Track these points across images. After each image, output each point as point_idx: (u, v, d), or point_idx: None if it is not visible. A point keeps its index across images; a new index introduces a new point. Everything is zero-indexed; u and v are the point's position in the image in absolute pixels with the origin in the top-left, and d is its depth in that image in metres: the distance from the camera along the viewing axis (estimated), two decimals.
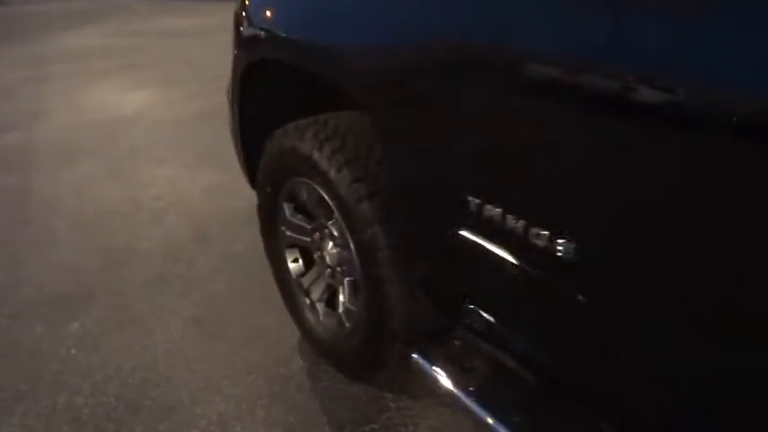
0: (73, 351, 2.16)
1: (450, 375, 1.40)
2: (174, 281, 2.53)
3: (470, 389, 1.35)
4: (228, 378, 1.98)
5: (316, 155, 1.57)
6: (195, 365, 2.05)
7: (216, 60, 4.21)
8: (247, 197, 2.33)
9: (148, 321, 2.29)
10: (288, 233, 1.98)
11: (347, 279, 1.74)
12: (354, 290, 1.71)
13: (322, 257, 1.87)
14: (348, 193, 1.49)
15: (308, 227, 1.89)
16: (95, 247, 2.83)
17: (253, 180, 2.16)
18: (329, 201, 1.62)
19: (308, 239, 1.91)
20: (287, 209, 1.94)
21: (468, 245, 1.19)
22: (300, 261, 2.04)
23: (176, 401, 1.90)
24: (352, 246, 1.60)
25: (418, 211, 1.36)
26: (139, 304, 2.39)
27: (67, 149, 4.20)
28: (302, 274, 2.03)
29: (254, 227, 2.12)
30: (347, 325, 1.80)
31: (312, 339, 1.98)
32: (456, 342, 1.47)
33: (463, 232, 1.20)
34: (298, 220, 1.93)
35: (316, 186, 1.65)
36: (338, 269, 1.80)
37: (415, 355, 1.49)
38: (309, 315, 1.98)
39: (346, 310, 1.77)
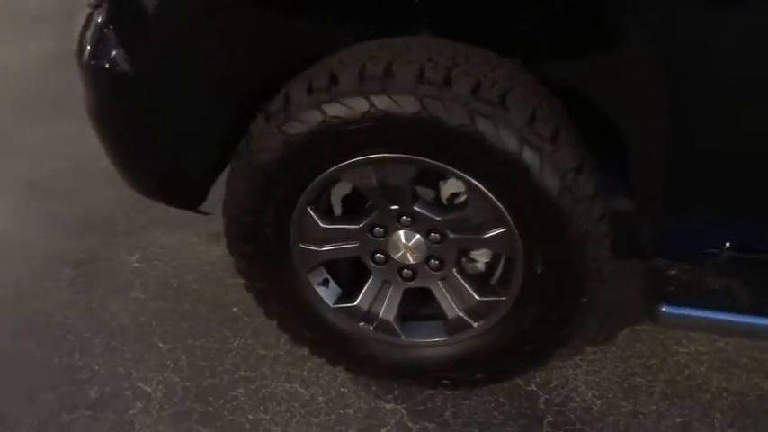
0: None
1: (715, 304, 1.11)
2: None
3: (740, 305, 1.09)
4: None
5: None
6: None
7: None
8: None
9: None
10: (314, 249, 1.29)
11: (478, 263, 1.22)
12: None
13: (387, 258, 1.27)
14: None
15: (357, 226, 1.24)
16: None
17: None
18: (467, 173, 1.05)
19: (354, 244, 1.27)
20: (314, 213, 1.24)
21: None
22: (331, 281, 1.38)
23: None
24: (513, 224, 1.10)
25: None
26: None
27: None
28: (346, 296, 1.37)
29: None
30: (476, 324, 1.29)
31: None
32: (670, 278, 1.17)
33: None
34: (338, 223, 1.25)
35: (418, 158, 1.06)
36: (432, 261, 1.25)
37: (663, 308, 1.13)
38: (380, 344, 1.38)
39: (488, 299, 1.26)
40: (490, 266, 1.33)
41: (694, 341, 1.50)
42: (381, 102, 1.04)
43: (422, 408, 1.41)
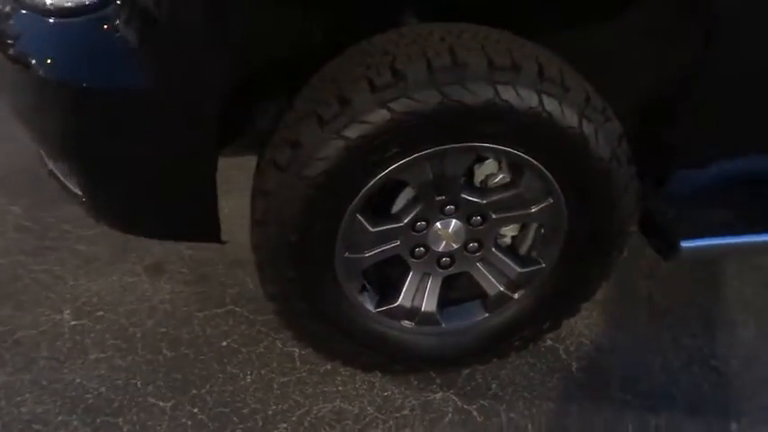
0: None
1: (726, 231, 1.32)
2: None
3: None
4: None
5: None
6: None
7: None
8: None
9: None
10: (359, 257, 1.23)
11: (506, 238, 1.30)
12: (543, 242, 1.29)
13: (427, 250, 1.27)
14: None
15: (403, 223, 1.21)
16: None
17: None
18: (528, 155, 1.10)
19: (396, 243, 1.24)
20: (364, 219, 1.17)
21: None
22: (368, 287, 1.32)
23: None
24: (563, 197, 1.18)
25: None
26: None
27: None
28: (385, 298, 1.33)
29: None
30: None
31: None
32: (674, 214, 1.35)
33: None
34: (386, 224, 1.21)
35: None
36: (471, 245, 1.28)
37: (683, 244, 1.30)
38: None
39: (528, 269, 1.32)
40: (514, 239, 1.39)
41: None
42: (455, 92, 1.02)
43: (468, 388, 1.43)
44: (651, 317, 1.64)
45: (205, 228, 1.19)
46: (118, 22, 0.93)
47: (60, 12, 0.95)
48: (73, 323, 1.58)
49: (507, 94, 1.04)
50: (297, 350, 1.51)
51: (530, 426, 1.37)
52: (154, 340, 1.54)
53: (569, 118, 1.09)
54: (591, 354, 1.54)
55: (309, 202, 1.10)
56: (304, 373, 1.46)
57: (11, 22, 0.98)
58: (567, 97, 1.08)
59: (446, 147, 1.09)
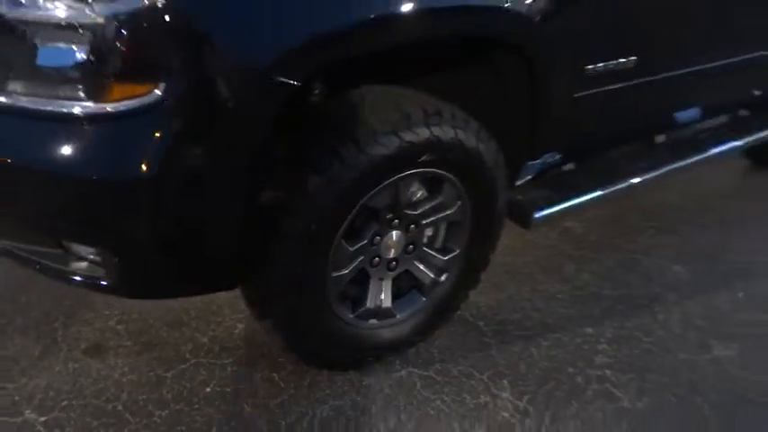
0: None
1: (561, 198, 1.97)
2: None
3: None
4: None
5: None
6: None
7: None
8: None
9: None
10: (340, 274, 1.56)
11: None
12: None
13: (380, 259, 1.66)
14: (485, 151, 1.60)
15: (366, 241, 1.59)
16: None
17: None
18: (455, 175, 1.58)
19: (362, 257, 1.61)
20: (345, 241, 1.52)
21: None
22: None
23: None
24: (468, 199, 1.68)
25: None
26: None
27: None
28: (355, 305, 1.68)
29: None
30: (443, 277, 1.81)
31: None
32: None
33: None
34: (356, 245, 1.56)
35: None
36: (409, 248, 1.70)
37: (535, 215, 1.89)
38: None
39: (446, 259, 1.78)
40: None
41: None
42: (407, 135, 1.43)
43: (421, 361, 1.83)
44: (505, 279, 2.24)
45: (229, 277, 1.40)
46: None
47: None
48: (43, 419, 1.56)
49: (437, 132, 1.49)
50: (275, 374, 1.74)
51: (475, 372, 1.80)
52: (139, 408, 1.62)
53: (471, 142, 1.58)
54: (487, 314, 2.06)
55: (311, 238, 1.40)
56: (292, 391, 1.70)
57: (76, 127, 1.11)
58: (467, 128, 1.57)
59: (400, 175, 1.50)
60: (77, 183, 1.16)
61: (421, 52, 1.51)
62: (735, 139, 2.69)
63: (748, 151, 3.26)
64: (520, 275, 2.28)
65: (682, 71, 2.10)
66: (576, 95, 1.80)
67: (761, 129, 2.82)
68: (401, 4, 1.29)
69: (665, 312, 2.14)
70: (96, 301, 1.98)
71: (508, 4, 1.46)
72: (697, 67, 2.17)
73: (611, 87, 1.87)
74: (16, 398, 1.62)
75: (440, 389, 1.75)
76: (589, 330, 2.02)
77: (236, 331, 1.90)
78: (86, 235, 1.24)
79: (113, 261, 1.25)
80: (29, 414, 1.57)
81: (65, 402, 1.61)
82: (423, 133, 1.46)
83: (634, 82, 1.91)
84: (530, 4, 1.50)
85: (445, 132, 1.51)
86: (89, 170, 1.14)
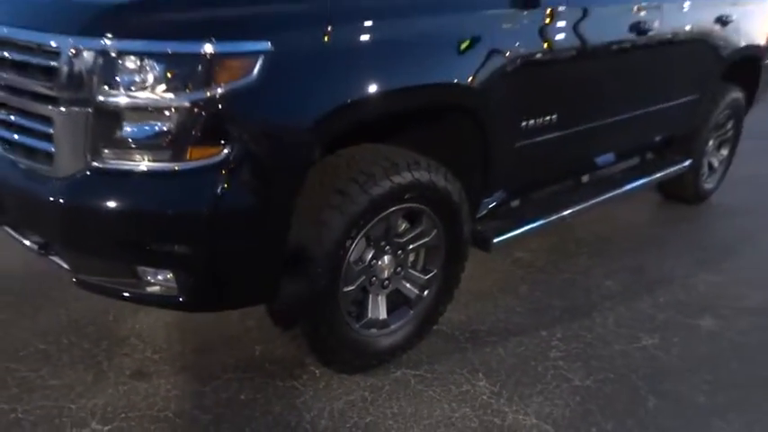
0: None
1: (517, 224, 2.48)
2: None
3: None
4: None
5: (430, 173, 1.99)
6: None
7: None
8: None
9: None
10: (349, 289, 1.99)
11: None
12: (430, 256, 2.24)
13: (377, 278, 2.10)
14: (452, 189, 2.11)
15: (366, 264, 2.03)
16: None
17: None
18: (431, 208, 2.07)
19: (363, 277, 2.05)
20: (353, 265, 1.96)
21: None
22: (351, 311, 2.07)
23: None
24: (442, 228, 2.17)
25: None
26: None
27: None
28: (358, 317, 2.10)
29: None
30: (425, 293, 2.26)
31: None
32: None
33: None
34: (360, 266, 2.00)
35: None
36: (398, 269, 2.15)
37: (494, 240, 2.38)
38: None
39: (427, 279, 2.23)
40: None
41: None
42: (397, 178, 1.91)
43: (411, 363, 2.24)
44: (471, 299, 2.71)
45: (271, 292, 1.81)
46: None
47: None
48: (107, 428, 1.87)
49: (417, 175, 1.97)
50: (295, 382, 2.11)
51: (456, 369, 2.22)
52: (186, 414, 1.95)
53: (441, 183, 2.07)
54: (461, 326, 2.51)
55: (333, 262, 1.84)
56: (311, 392, 2.07)
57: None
58: (438, 173, 2.06)
59: (391, 209, 1.96)
60: (165, 219, 1.57)
61: (400, 119, 2.02)
62: (644, 177, 3.33)
63: (659, 187, 3.94)
64: (484, 296, 2.74)
65: (594, 124, 2.70)
66: (515, 145, 2.34)
67: (663, 168, 3.48)
68: (393, 84, 1.81)
69: (601, 316, 2.64)
70: (130, 338, 2.31)
71: (464, 81, 1.99)
72: (606, 121, 2.79)
73: (541, 138, 2.42)
74: (81, 414, 1.92)
75: (429, 383, 2.16)
76: (543, 333, 2.49)
77: (256, 353, 2.26)
78: (173, 261, 1.64)
79: (189, 281, 1.64)
80: (95, 425, 1.88)
81: (122, 415, 1.93)
82: (407, 177, 1.94)
83: (557, 134, 2.48)
84: (479, 81, 2.04)
85: (423, 176, 1.99)
86: (174, 209, 1.56)
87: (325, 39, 1.70)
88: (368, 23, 1.79)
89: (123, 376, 2.11)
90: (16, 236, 1.96)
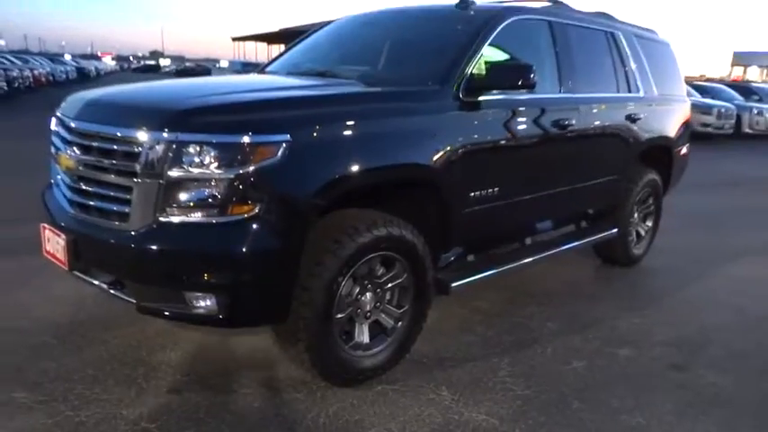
0: None
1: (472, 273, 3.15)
2: None
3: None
4: None
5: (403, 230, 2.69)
6: None
7: None
8: None
9: None
10: (341, 317, 2.63)
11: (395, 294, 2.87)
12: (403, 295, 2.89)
13: (362, 310, 2.75)
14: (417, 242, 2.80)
15: (354, 298, 2.69)
16: None
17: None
18: (401, 256, 2.75)
19: (351, 308, 2.70)
20: (344, 296, 2.61)
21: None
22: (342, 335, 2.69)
23: None
24: (410, 272, 2.84)
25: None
26: None
27: None
28: (347, 340, 2.71)
29: None
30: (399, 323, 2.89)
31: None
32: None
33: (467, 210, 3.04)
34: (349, 299, 2.65)
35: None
36: (377, 304, 2.80)
37: (452, 285, 3.04)
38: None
39: (400, 313, 2.87)
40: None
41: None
42: (375, 233, 2.60)
43: (395, 379, 2.83)
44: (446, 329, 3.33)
45: (286, 314, 2.44)
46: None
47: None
48: (153, 425, 2.41)
49: (391, 231, 2.67)
50: (298, 394, 2.68)
51: (424, 383, 2.82)
52: (220, 415, 2.50)
53: (410, 237, 2.77)
54: (428, 355, 3.11)
55: (329, 293, 2.49)
56: (310, 400, 2.63)
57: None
58: (406, 229, 2.77)
59: (371, 255, 2.64)
60: (212, 257, 2.23)
61: (373, 189, 2.75)
62: (578, 240, 4.09)
63: (597, 252, 4.70)
64: (447, 333, 3.37)
65: (528, 197, 3.47)
66: (465, 211, 3.08)
67: (595, 234, 4.25)
68: (372, 164, 2.55)
69: (542, 347, 3.28)
70: (162, 366, 2.87)
71: (427, 162, 2.75)
72: (538, 194, 3.56)
73: (486, 206, 3.16)
74: (131, 417, 2.46)
75: (403, 393, 2.75)
76: (495, 359, 3.11)
77: (266, 373, 2.83)
78: (217, 288, 2.27)
79: (227, 303, 2.27)
80: (144, 424, 2.42)
81: (165, 417, 2.47)
82: (383, 231, 2.64)
83: (499, 203, 3.23)
84: (438, 162, 2.80)
85: (395, 231, 2.70)
86: (219, 250, 2.22)
87: (324, 133, 2.45)
88: (350, 123, 2.54)
89: (160, 392, 2.66)
90: (86, 278, 2.58)
